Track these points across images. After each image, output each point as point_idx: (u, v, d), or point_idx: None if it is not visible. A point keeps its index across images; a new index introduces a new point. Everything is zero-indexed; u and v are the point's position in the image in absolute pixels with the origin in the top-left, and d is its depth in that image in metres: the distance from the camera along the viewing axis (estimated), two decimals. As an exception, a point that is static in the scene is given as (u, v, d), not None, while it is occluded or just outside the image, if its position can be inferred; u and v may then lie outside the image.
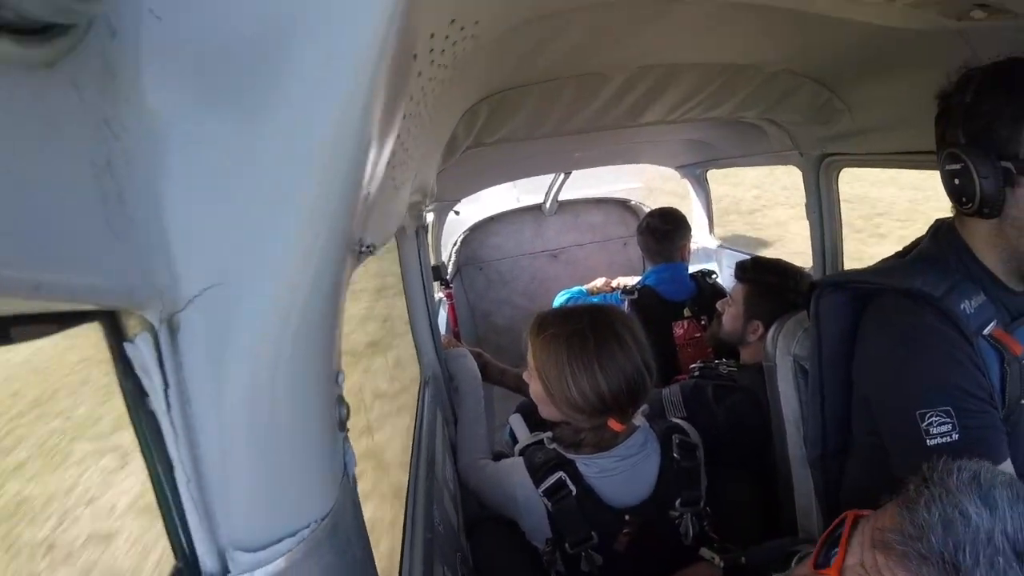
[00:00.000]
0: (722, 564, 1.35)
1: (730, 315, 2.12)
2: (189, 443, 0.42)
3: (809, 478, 1.60)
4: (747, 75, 1.75)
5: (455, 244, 3.89)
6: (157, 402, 0.41)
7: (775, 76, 1.78)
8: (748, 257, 2.28)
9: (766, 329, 1.97)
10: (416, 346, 2.01)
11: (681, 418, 1.85)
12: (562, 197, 4.02)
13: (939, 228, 1.28)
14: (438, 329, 2.05)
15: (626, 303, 2.62)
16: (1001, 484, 0.70)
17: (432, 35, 0.68)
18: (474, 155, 2.11)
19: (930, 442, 1.08)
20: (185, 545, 0.45)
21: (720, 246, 3.62)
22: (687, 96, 1.85)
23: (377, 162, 0.49)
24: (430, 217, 2.96)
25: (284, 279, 0.41)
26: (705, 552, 1.38)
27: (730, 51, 1.59)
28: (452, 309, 2.66)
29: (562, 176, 3.76)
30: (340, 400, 0.55)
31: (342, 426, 0.55)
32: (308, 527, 0.48)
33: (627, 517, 1.43)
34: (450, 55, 0.83)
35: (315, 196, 0.40)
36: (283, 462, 0.46)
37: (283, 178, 0.38)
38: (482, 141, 1.87)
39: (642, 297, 2.63)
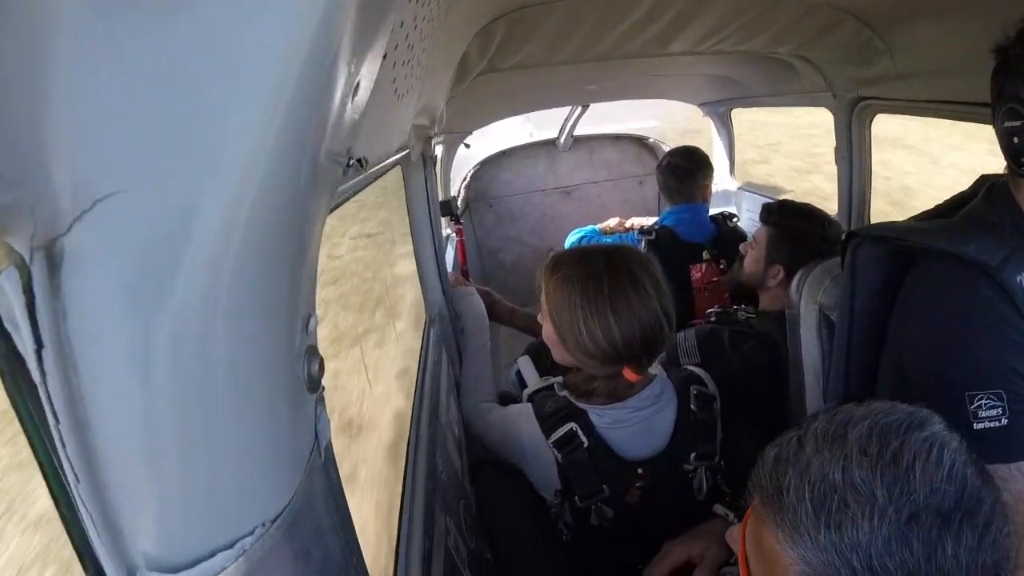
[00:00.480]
0: (736, 521, 1.30)
1: (752, 258, 2.03)
2: (76, 426, 0.30)
3: None
4: (785, 6, 1.61)
5: (464, 179, 3.76)
6: (32, 368, 0.29)
7: (815, 9, 1.65)
8: (772, 200, 2.15)
9: (787, 275, 1.89)
10: (421, 283, 1.93)
11: (695, 364, 1.80)
12: (578, 132, 3.86)
13: (993, 187, 1.16)
14: (445, 266, 1.97)
15: (643, 243, 2.52)
16: (863, 425, 0.69)
17: None
18: (487, 83, 1.99)
19: (977, 425, 1.01)
20: (90, 564, 0.34)
21: (741, 188, 3.48)
22: (719, 25, 1.71)
23: (360, 59, 0.38)
24: (439, 149, 2.83)
25: (221, 186, 0.29)
26: (719, 508, 1.33)
27: None
28: (461, 246, 2.55)
29: (579, 110, 3.60)
30: (310, 353, 0.43)
31: (313, 386, 0.43)
32: (252, 533, 0.36)
33: (640, 470, 1.38)
34: None
35: (265, 80, 0.28)
36: (219, 445, 0.34)
37: (219, 35, 0.27)
38: (497, 66, 1.75)
39: (660, 238, 2.52)
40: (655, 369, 1.44)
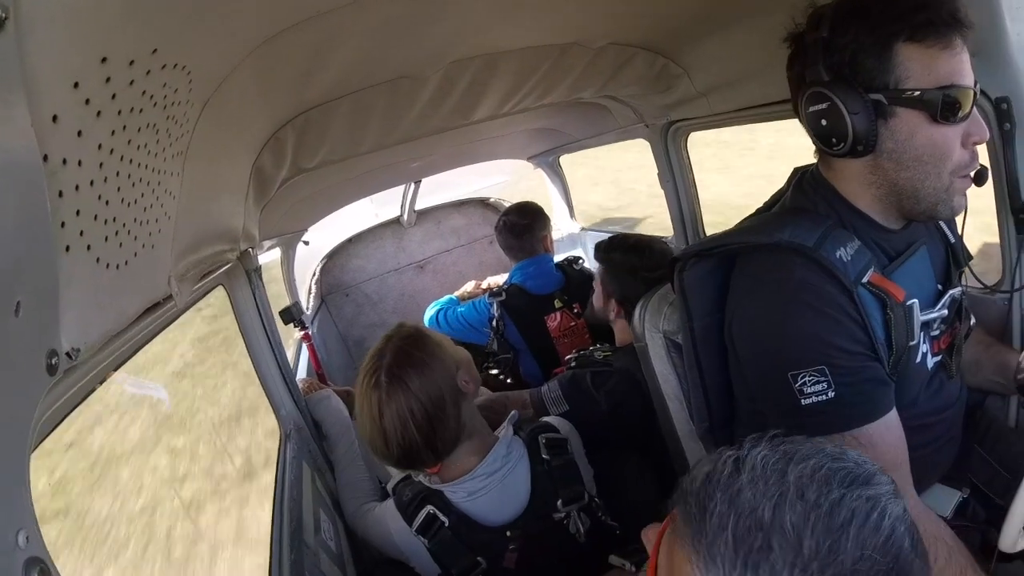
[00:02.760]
0: (634, 569, 1.27)
1: (596, 295, 2.08)
2: None
3: (702, 450, 1.57)
4: (573, 54, 1.67)
5: (314, 274, 3.65)
6: None
7: (603, 51, 1.72)
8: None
9: (622, 307, 1.94)
10: (270, 401, 1.81)
11: (564, 412, 1.80)
12: (420, 205, 3.87)
13: (803, 176, 1.24)
14: (292, 377, 1.86)
15: (495, 305, 2.53)
16: (807, 465, 0.63)
17: (76, 84, 0.52)
18: (303, 182, 1.94)
19: (805, 401, 1.04)
20: None
21: (583, 229, 3.61)
22: (514, 86, 1.76)
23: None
24: (269, 257, 2.73)
25: None
26: (614, 559, 1.30)
27: (545, 32, 1.51)
28: (312, 349, 2.44)
29: (413, 186, 3.61)
30: (31, 564, 0.41)
31: None
32: None
33: (508, 533, 1.37)
34: (151, 95, 0.68)
35: None
36: None
37: None
38: (302, 167, 1.71)
39: (510, 297, 2.54)
40: (502, 431, 1.45)
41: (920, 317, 1.11)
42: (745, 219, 1.35)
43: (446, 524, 1.35)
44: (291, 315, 2.24)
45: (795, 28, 1.09)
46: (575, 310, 2.56)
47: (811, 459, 0.63)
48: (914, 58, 0.97)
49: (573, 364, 2.03)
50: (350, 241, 3.79)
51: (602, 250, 2.04)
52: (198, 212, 1.05)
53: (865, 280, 1.07)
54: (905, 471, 1.07)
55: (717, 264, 1.26)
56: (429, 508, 1.36)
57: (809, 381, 1.04)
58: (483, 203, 4.09)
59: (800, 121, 1.13)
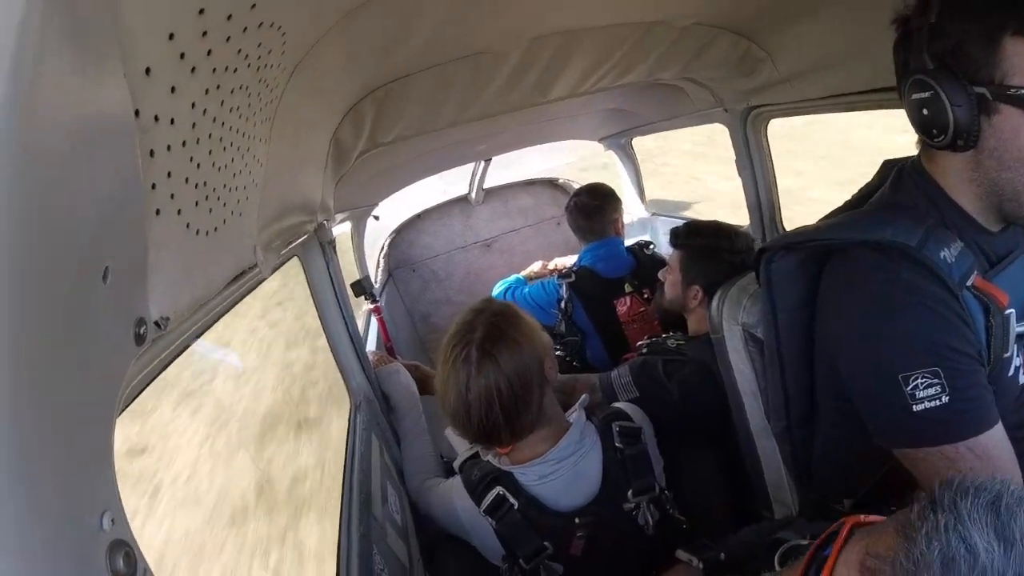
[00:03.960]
0: (701, 565, 1.23)
1: (670, 283, 2.02)
2: None
3: (776, 449, 1.53)
4: (656, 34, 1.62)
5: (382, 249, 3.69)
6: None
7: (687, 31, 1.66)
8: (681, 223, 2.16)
9: (706, 294, 1.89)
10: (341, 372, 1.83)
11: (634, 399, 1.76)
12: (488, 184, 3.86)
13: (901, 170, 1.16)
14: (363, 349, 1.88)
15: (564, 287, 2.49)
16: None
17: (171, 35, 0.50)
18: (377, 157, 1.94)
19: (917, 407, 0.98)
20: None
21: (654, 214, 3.52)
22: (595, 64, 1.71)
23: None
24: (340, 230, 2.76)
25: None
26: (681, 554, 1.27)
27: (630, 9, 1.46)
28: (382, 323, 2.46)
29: (483, 164, 3.59)
30: (113, 548, 0.38)
31: None
32: None
33: (577, 520, 1.35)
34: (246, 55, 0.66)
35: None
36: None
37: None
38: (379, 141, 1.71)
39: (579, 279, 2.50)
40: (574, 415, 1.43)
41: (1016, 328, 1.04)
42: (834, 214, 1.29)
43: (515, 506, 1.34)
44: (362, 288, 2.27)
45: (903, 10, 1.01)
46: (645, 295, 2.50)
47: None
48: (1022, 53, 0.89)
49: (644, 351, 1.98)
50: (418, 217, 3.82)
51: (682, 235, 1.98)
52: (282, 181, 1.05)
53: (969, 283, 1.00)
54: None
55: (807, 258, 1.21)
56: (499, 489, 1.36)
57: (922, 384, 0.97)
58: (552, 184, 4.04)
59: (905, 109, 1.05)
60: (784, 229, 2.37)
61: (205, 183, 0.63)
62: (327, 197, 1.66)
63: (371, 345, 2.51)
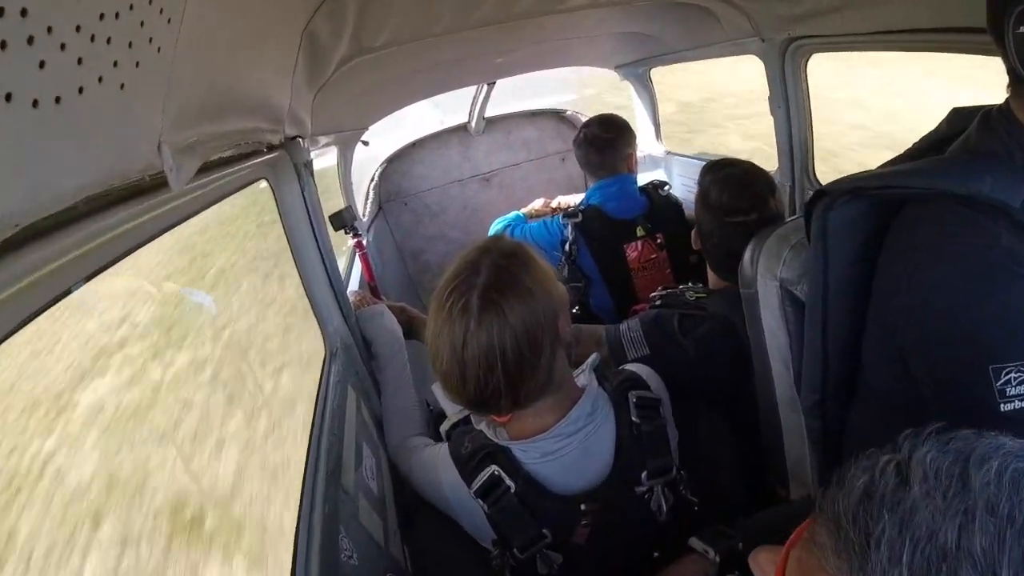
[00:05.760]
0: (718, 557, 1.06)
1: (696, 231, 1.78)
2: None
3: (803, 423, 1.35)
4: None
5: (372, 179, 3.43)
6: None
7: None
8: (705, 162, 1.91)
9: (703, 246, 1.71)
10: (316, 315, 1.62)
11: (644, 356, 1.58)
12: (490, 113, 3.57)
13: (989, 115, 0.95)
14: (343, 288, 1.66)
15: (569, 227, 2.26)
16: (990, 467, 0.49)
17: None
18: (365, 69, 1.68)
19: (1005, 406, 0.81)
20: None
21: (669, 153, 3.25)
22: None
23: None
24: (327, 163, 2.50)
25: None
26: (696, 543, 1.10)
27: None
28: (365, 260, 2.22)
29: (485, 88, 3.30)
30: None
31: None
32: None
33: (583, 506, 1.15)
34: None
35: None
36: None
37: None
38: (365, 45, 1.45)
39: (587, 219, 2.26)
40: (584, 379, 1.20)
41: None
42: (894, 162, 1.11)
43: (512, 489, 1.13)
44: (343, 220, 2.01)
45: None
46: (658, 241, 2.27)
47: (993, 459, 0.50)
48: None
49: (659, 303, 1.77)
50: (413, 145, 3.55)
51: (712, 171, 1.74)
52: (218, 63, 0.80)
53: None
54: None
55: (874, 208, 1.03)
56: (494, 469, 1.15)
57: (1015, 379, 0.81)
58: (558, 116, 3.76)
59: (1000, 46, 0.84)
60: (818, 180, 2.14)
61: (36, 11, 0.37)
62: (300, 108, 1.42)
63: (354, 285, 2.29)
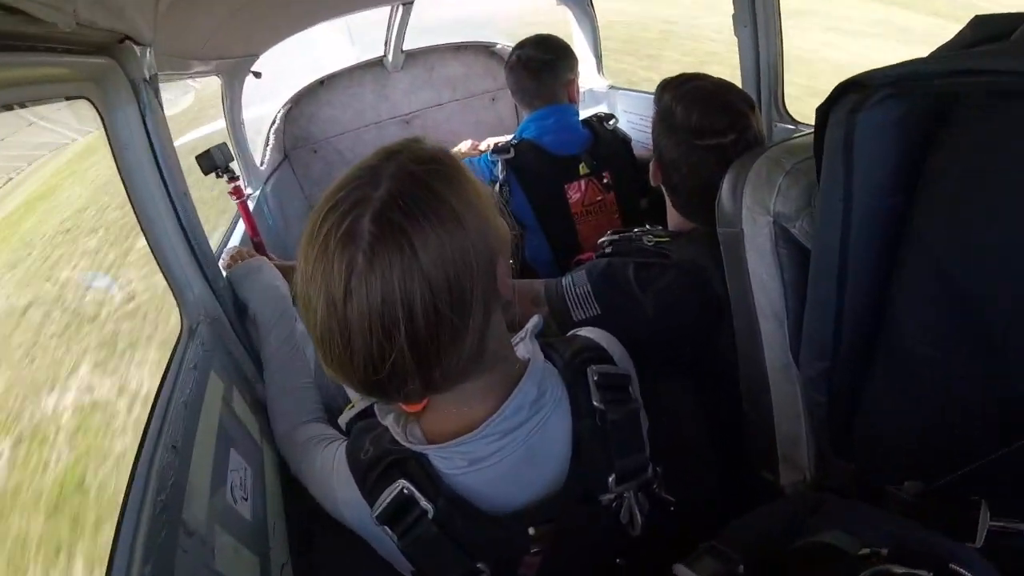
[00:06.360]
0: None
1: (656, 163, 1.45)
2: None
3: (799, 394, 1.10)
4: None
5: (273, 123, 2.96)
6: None
7: None
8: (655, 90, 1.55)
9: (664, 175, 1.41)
10: (168, 281, 1.24)
11: (593, 317, 1.28)
12: (409, 46, 3.14)
13: None
14: (203, 244, 1.27)
15: (499, 165, 1.90)
16: None
17: None
18: None
19: None
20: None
21: (613, 88, 2.90)
22: None
23: None
24: (196, 83, 2.05)
25: None
26: (682, 571, 0.79)
27: None
28: (245, 210, 1.80)
29: (400, 12, 2.85)
30: None
31: None
32: None
33: (531, 530, 0.82)
34: None
35: None
36: None
37: None
38: None
39: (520, 154, 1.90)
40: (524, 350, 0.85)
41: None
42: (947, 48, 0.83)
43: (429, 514, 0.79)
44: (213, 161, 1.58)
45: None
46: (604, 181, 1.94)
47: None
48: None
49: (608, 250, 1.43)
50: (321, 84, 3.09)
51: (672, 85, 1.38)
52: None
53: None
54: None
55: (909, 111, 0.76)
56: (402, 485, 0.80)
57: None
58: (487, 50, 3.36)
59: None
60: (788, 113, 1.86)
61: None
62: (132, 3, 1.01)
63: (235, 242, 1.88)
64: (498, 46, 3.35)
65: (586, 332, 1.00)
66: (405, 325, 0.64)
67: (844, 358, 0.93)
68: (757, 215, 1.03)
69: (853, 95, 0.78)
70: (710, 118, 1.28)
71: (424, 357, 0.67)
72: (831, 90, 0.80)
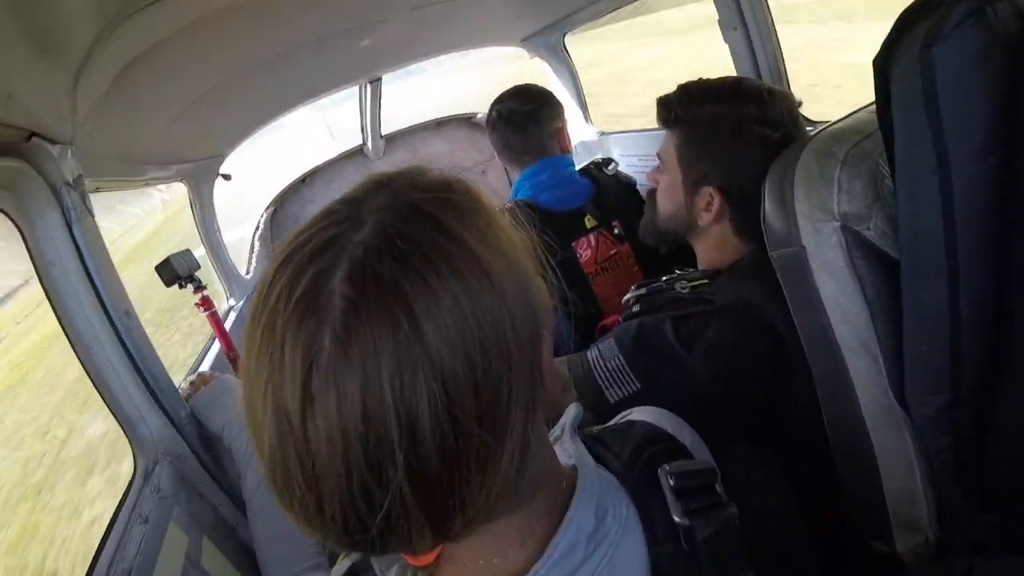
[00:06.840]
0: None
1: (667, 185, 1.23)
2: None
3: (908, 440, 0.88)
4: None
5: (257, 228, 2.83)
6: None
7: None
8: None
9: (727, 198, 1.15)
10: (115, 415, 1.03)
11: (632, 394, 1.04)
12: (387, 129, 3.04)
13: None
14: (159, 372, 1.07)
15: None
16: None
17: None
18: (193, 74, 1.17)
19: None
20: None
21: (603, 133, 2.76)
22: None
23: None
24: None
25: None
26: None
27: None
28: (216, 322, 1.59)
29: (368, 94, 2.75)
30: None
31: None
32: None
33: None
34: None
35: None
36: None
37: None
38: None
39: (515, 219, 1.69)
40: (564, 453, 0.61)
41: None
42: None
43: None
44: (173, 271, 1.40)
45: None
46: (615, 231, 1.74)
47: None
48: None
49: (636, 308, 1.20)
50: (303, 181, 2.97)
51: (676, 103, 1.19)
52: None
53: None
54: None
55: (991, 46, 0.60)
56: None
57: None
58: (468, 121, 3.26)
59: None
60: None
61: None
62: (46, 95, 0.86)
63: (207, 366, 1.68)
64: (479, 115, 3.25)
65: (640, 414, 0.73)
66: (404, 452, 0.39)
67: (969, 385, 0.72)
68: (819, 224, 0.82)
69: (923, 23, 0.58)
70: (765, 108, 1.09)
71: (435, 498, 0.41)
72: (892, 24, 0.61)
